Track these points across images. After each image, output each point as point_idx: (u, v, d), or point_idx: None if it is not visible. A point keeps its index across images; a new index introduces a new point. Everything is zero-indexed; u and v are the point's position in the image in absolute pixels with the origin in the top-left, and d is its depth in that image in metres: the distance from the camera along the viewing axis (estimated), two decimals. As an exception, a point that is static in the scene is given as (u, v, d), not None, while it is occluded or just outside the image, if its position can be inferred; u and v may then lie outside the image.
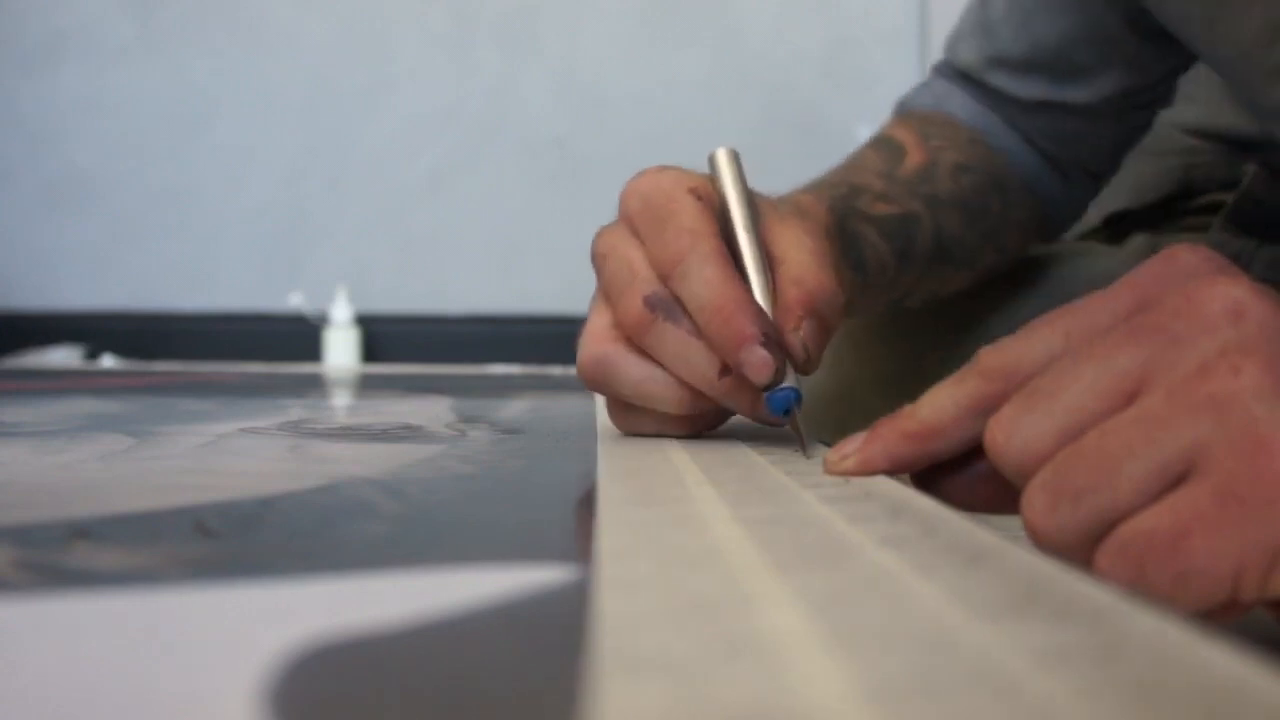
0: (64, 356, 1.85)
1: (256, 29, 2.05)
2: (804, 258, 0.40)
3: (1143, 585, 0.22)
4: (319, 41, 2.05)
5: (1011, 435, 0.26)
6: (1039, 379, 0.26)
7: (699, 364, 0.38)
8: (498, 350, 1.95)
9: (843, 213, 0.52)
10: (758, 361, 0.36)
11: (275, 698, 0.14)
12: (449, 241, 2.05)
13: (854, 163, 0.60)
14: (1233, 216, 0.66)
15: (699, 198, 0.39)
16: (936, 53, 0.69)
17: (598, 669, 0.13)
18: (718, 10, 2.03)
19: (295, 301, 2.00)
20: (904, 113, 0.66)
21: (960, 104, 0.64)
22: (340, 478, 0.34)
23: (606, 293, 0.40)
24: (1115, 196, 0.74)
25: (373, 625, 0.18)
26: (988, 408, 0.28)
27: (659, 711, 0.12)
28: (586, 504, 0.27)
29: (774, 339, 0.36)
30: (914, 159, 0.60)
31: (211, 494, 0.31)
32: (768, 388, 0.37)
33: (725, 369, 0.37)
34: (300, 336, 1.96)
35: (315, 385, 0.98)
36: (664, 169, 0.41)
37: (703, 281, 0.37)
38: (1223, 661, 0.14)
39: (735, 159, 0.42)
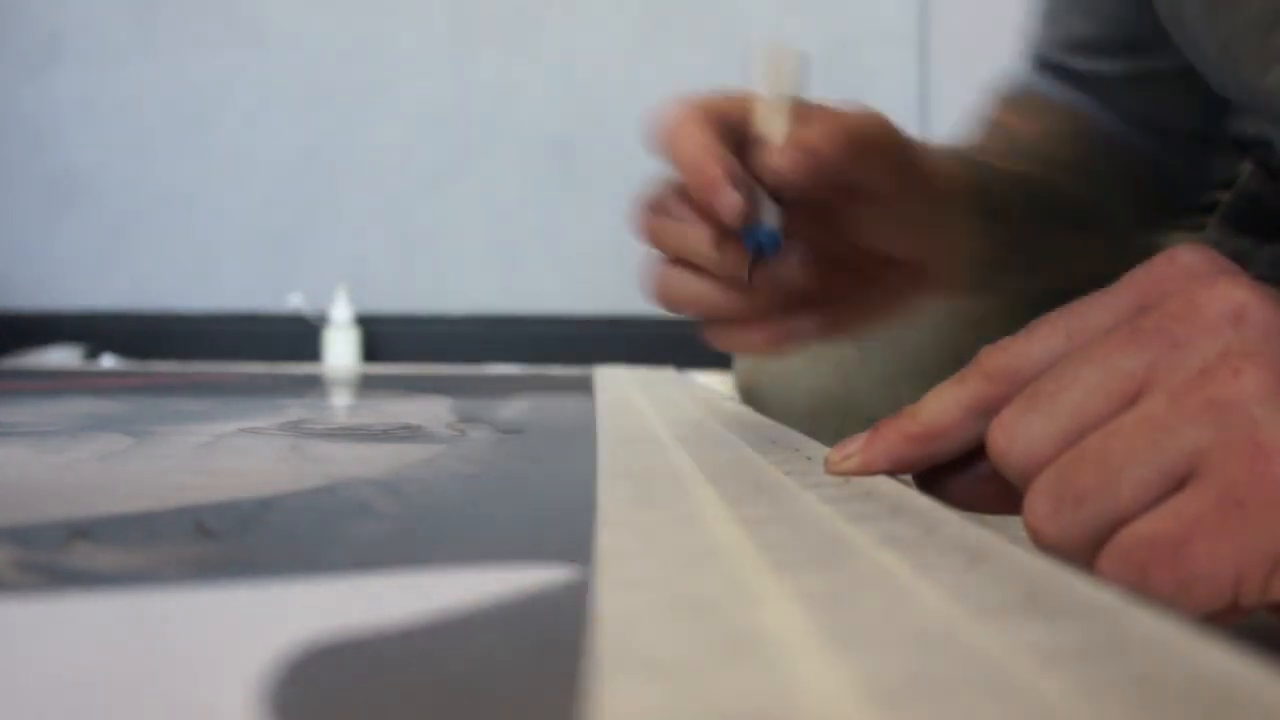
0: (64, 356, 1.85)
1: (256, 29, 2.05)
2: (856, 109, 0.40)
3: (1145, 590, 0.22)
4: (319, 41, 2.05)
5: (1013, 438, 0.26)
6: (1040, 381, 0.26)
7: (696, 244, 0.38)
8: (498, 350, 1.95)
9: (976, 170, 0.50)
10: (730, 202, 0.36)
11: (275, 698, 0.14)
12: (449, 241, 2.05)
13: (958, 148, 0.56)
14: (1229, 214, 0.66)
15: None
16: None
17: (598, 669, 0.13)
18: (718, 10, 2.03)
19: (295, 301, 2.00)
20: (994, 101, 0.63)
21: (1052, 89, 0.62)
22: (340, 478, 0.34)
23: None
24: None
25: (373, 625, 0.18)
26: (990, 409, 0.28)
27: (659, 711, 0.12)
28: (586, 504, 0.27)
29: (740, 176, 0.36)
30: (1029, 128, 0.58)
31: (211, 494, 0.31)
32: (745, 227, 0.36)
33: (717, 241, 0.38)
34: (300, 336, 1.96)
35: (315, 385, 0.98)
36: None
37: (680, 147, 0.37)
38: (1222, 661, 0.14)
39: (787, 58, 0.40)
